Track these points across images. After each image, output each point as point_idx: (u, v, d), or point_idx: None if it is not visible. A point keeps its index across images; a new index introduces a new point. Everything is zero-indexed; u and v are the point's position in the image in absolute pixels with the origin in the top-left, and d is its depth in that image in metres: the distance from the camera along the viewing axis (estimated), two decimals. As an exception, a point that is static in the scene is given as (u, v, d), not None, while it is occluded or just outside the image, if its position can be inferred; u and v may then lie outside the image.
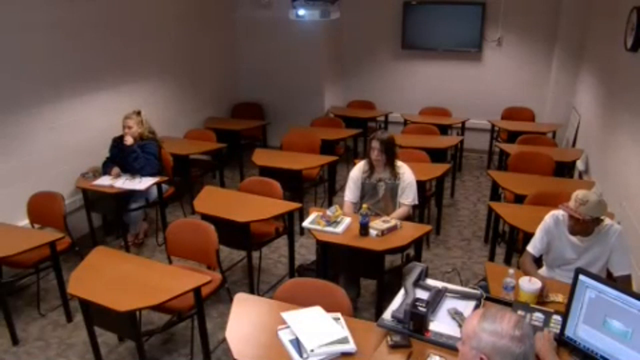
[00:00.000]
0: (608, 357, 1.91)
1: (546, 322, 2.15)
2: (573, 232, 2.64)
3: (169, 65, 5.66)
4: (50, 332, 3.45)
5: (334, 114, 6.74)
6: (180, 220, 3.51)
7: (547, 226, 2.79)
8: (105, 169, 4.37)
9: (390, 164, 3.68)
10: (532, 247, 2.83)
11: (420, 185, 3.93)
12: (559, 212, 2.76)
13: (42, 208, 3.84)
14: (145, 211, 4.66)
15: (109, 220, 4.78)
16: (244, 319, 2.36)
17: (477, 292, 2.37)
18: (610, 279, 2.64)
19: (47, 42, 4.12)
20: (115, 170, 4.29)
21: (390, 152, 3.66)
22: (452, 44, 6.72)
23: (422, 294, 2.28)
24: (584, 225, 2.56)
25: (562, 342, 2.05)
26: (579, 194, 2.54)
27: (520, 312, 2.20)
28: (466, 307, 2.26)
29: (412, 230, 3.33)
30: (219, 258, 3.23)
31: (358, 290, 3.79)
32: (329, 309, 2.32)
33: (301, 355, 2.03)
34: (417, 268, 2.44)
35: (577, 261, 2.67)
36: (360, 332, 2.19)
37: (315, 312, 2.30)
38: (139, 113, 4.40)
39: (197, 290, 2.80)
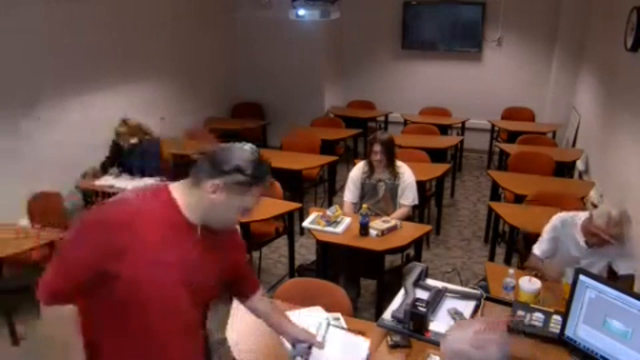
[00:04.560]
0: (608, 357, 1.91)
1: (546, 322, 2.15)
2: (594, 245, 2.54)
3: (168, 65, 5.65)
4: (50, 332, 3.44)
5: (334, 114, 6.74)
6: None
7: (554, 226, 2.75)
8: (105, 169, 4.38)
9: (390, 164, 3.68)
10: (538, 249, 2.80)
11: (420, 185, 3.93)
12: (567, 215, 2.74)
13: (42, 208, 3.84)
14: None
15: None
16: (244, 319, 2.36)
17: (477, 292, 2.36)
18: (612, 276, 2.63)
19: (47, 42, 4.12)
20: (115, 170, 4.30)
21: (391, 152, 3.66)
22: (452, 44, 6.71)
23: (422, 294, 2.28)
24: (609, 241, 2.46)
25: (562, 342, 2.05)
26: (611, 213, 2.38)
27: (520, 312, 2.20)
28: (466, 307, 2.26)
29: (412, 230, 3.33)
30: (219, 258, 3.23)
31: (358, 290, 3.79)
32: (329, 309, 2.32)
33: (301, 356, 2.03)
34: (417, 268, 2.43)
35: (581, 260, 2.64)
36: (360, 332, 2.18)
37: (315, 312, 2.30)
38: (125, 122, 4.37)
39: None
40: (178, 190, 1.49)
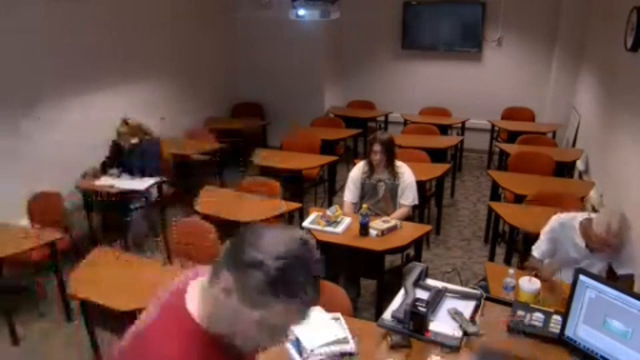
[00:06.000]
0: (608, 357, 1.91)
1: (546, 322, 2.15)
2: (594, 249, 2.54)
3: (168, 65, 5.65)
4: (50, 332, 3.45)
5: (334, 114, 6.74)
6: (181, 221, 3.50)
7: (552, 228, 2.75)
8: (105, 169, 4.38)
9: (390, 164, 3.68)
10: (537, 251, 2.79)
11: (420, 185, 3.93)
12: (565, 217, 2.74)
13: (42, 208, 3.85)
14: (146, 211, 4.66)
15: (109, 220, 4.78)
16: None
17: (477, 292, 2.36)
18: (612, 276, 2.63)
19: (47, 42, 4.13)
20: (115, 170, 4.30)
21: (391, 152, 3.66)
22: (452, 44, 6.71)
23: (422, 294, 2.28)
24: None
25: (562, 342, 2.05)
26: (612, 223, 2.36)
27: (520, 312, 2.20)
28: (466, 307, 2.26)
29: (412, 230, 3.33)
30: (219, 258, 3.22)
31: (358, 290, 3.79)
32: (329, 309, 2.32)
33: (301, 355, 2.03)
34: (417, 268, 2.43)
35: (580, 262, 2.64)
36: (360, 332, 2.19)
37: (315, 312, 2.30)
38: (125, 122, 4.38)
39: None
40: (194, 296, 1.11)
